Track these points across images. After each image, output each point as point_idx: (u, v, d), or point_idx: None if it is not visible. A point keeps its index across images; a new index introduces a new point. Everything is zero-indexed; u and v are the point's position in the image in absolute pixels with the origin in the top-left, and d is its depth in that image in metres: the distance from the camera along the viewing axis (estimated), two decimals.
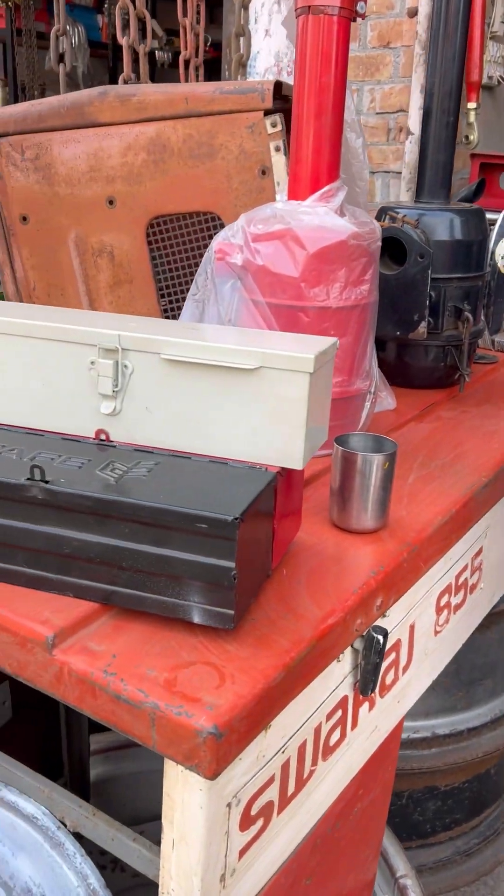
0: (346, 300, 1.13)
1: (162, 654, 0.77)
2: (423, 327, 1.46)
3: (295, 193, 1.17)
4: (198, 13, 2.33)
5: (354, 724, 0.99)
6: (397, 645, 1.05)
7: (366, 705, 1.00)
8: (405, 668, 1.08)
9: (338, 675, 0.91)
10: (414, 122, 2.40)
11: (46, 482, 0.80)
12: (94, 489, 0.79)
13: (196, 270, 1.29)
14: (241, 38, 2.29)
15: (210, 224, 1.46)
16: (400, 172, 2.56)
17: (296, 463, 0.85)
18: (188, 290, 1.29)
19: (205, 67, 2.46)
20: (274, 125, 1.41)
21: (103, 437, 0.91)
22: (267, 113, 1.36)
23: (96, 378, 0.88)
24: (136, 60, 2.09)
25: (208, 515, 0.75)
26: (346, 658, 0.92)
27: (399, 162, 2.66)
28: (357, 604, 0.88)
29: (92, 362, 0.88)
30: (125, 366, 0.88)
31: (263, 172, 1.42)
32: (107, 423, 0.90)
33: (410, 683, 1.12)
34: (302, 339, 0.93)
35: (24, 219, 1.61)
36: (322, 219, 1.10)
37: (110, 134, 1.49)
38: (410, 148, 2.40)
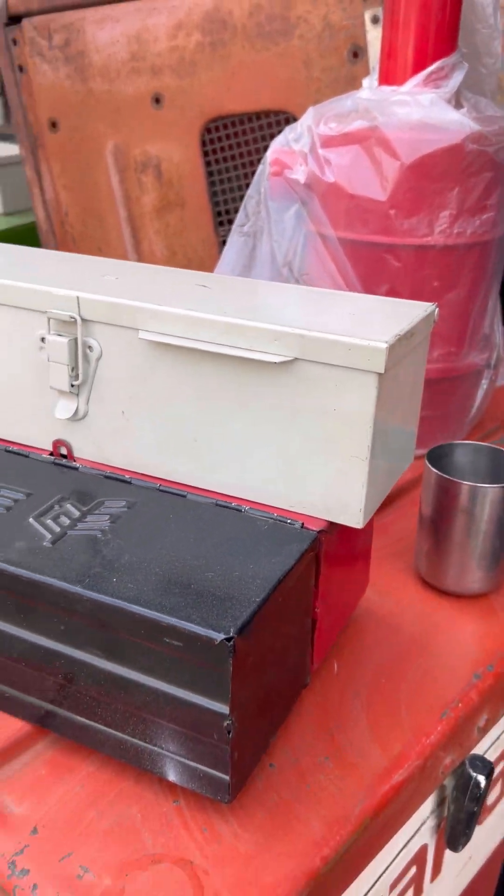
0: (458, 236, 0.76)
1: (111, 833, 0.47)
2: None
3: (389, 75, 0.80)
4: None
5: (437, 873, 0.67)
6: (500, 759, 0.72)
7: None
8: None
9: (411, 828, 0.59)
10: None
11: None
12: (11, 556, 0.49)
13: None
14: None
15: (284, 128, 1.10)
16: None
17: (351, 517, 0.52)
18: None
19: None
20: None
21: (64, 451, 0.60)
22: None
23: (48, 364, 0.57)
24: None
25: (185, 628, 0.43)
26: (427, 804, 0.60)
27: None
28: (447, 734, 0.55)
29: (42, 339, 0.57)
30: (90, 347, 0.55)
31: (355, 55, 1.04)
32: (68, 432, 0.59)
33: None
34: (383, 306, 0.58)
35: (54, 125, 1.28)
36: (426, 111, 0.73)
37: (156, 8, 1.14)
38: None
